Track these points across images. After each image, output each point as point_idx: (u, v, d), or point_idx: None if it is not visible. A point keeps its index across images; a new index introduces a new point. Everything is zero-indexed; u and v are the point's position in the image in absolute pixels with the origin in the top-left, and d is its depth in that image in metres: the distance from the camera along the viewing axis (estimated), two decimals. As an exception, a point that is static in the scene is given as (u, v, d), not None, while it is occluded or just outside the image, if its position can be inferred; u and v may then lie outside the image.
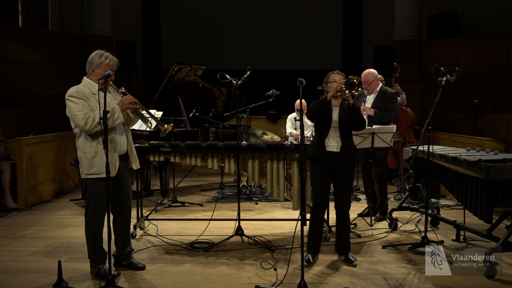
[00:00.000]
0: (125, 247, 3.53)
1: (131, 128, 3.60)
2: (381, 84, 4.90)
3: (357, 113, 3.60)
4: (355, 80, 3.53)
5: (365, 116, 4.77)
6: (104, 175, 3.12)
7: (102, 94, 3.17)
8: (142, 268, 3.52)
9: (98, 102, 3.12)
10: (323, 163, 3.59)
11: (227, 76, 4.29)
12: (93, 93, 3.26)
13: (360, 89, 3.53)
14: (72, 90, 3.23)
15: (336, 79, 3.59)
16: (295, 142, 4.52)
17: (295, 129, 6.22)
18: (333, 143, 3.59)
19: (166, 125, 3.45)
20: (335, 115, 3.60)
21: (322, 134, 3.61)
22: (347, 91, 3.48)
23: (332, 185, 3.75)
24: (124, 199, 3.45)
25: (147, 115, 3.41)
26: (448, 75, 4.02)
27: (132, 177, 3.68)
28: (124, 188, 3.43)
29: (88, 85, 3.29)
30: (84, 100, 3.20)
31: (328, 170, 3.61)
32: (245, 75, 4.32)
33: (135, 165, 3.52)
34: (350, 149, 3.61)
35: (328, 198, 3.72)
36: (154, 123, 3.47)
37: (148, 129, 4.97)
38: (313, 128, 5.94)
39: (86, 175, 3.26)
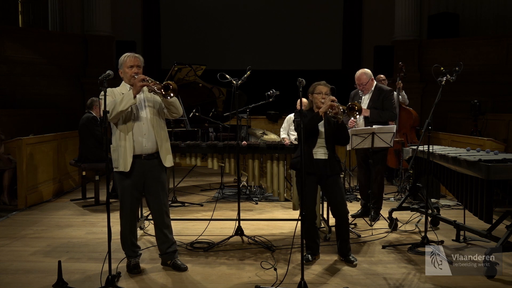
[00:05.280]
0: (164, 246, 3.53)
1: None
2: (375, 83, 4.86)
3: (344, 130, 3.67)
4: (356, 107, 3.54)
5: (361, 117, 4.77)
6: (121, 170, 3.31)
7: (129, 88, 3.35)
8: (184, 269, 3.49)
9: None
10: (311, 174, 3.61)
11: (227, 76, 4.29)
12: (122, 93, 3.35)
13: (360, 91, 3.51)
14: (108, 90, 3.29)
15: (323, 91, 3.61)
16: (295, 142, 4.52)
17: (288, 134, 6.21)
18: (320, 153, 3.63)
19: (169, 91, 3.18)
20: (320, 125, 3.63)
21: (310, 144, 3.62)
22: (344, 109, 3.53)
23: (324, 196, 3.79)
24: (156, 198, 3.47)
25: (158, 87, 3.23)
26: (448, 75, 4.02)
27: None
28: (153, 188, 3.45)
29: (122, 86, 3.44)
30: (112, 98, 3.30)
31: (316, 179, 3.65)
32: (245, 75, 4.32)
33: (166, 163, 3.48)
34: (334, 160, 3.65)
35: (315, 205, 3.77)
36: (171, 94, 3.21)
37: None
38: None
39: (113, 168, 3.40)
